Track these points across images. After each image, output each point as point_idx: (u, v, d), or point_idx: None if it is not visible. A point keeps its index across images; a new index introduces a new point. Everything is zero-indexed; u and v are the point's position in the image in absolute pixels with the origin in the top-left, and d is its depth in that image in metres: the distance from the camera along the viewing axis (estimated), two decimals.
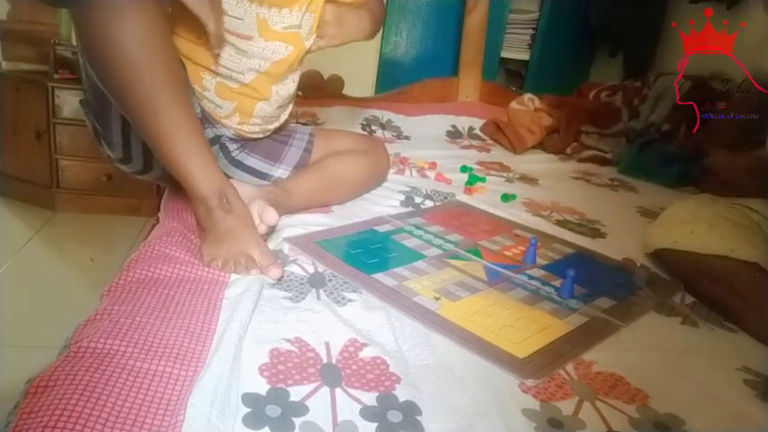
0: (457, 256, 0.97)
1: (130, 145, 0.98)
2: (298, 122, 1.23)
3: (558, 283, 0.89)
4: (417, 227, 1.07)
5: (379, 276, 0.86)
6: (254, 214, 0.90)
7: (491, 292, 0.85)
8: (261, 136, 1.13)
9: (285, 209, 1.02)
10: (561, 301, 0.84)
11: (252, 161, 1.14)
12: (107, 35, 0.72)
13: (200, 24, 0.88)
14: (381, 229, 1.05)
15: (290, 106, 1.15)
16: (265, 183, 1.13)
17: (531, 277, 0.91)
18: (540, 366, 0.68)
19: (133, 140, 0.97)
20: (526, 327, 0.76)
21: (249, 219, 0.88)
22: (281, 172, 1.15)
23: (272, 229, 0.95)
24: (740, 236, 0.94)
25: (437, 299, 0.81)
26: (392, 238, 1.01)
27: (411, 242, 1.00)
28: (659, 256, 1.03)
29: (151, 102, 0.76)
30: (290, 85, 1.09)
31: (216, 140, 1.07)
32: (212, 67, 0.99)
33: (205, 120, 1.02)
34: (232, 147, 1.10)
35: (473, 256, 0.97)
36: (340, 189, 1.15)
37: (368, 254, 0.93)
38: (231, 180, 0.92)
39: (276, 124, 1.13)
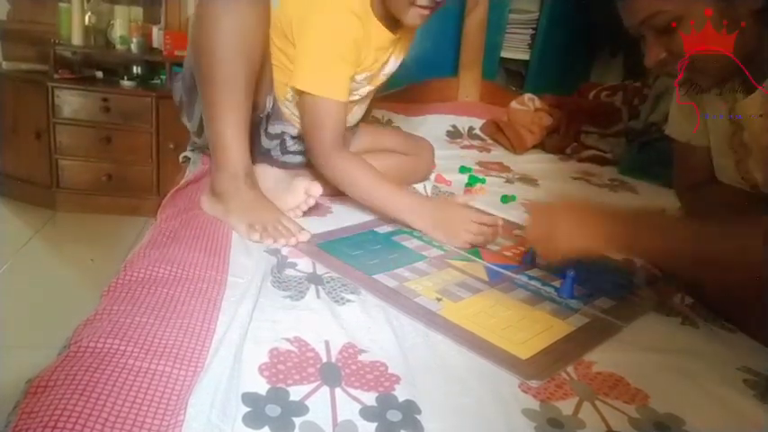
0: (457, 257, 0.97)
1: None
2: None
3: (557, 283, 0.89)
4: None
5: (380, 277, 0.86)
6: (300, 188, 1.03)
7: (492, 293, 0.85)
8: None
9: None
10: (562, 302, 0.84)
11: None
12: (208, 24, 0.94)
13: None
14: (381, 230, 1.05)
15: (357, 127, 1.29)
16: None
17: (531, 278, 0.91)
18: (542, 367, 0.68)
19: None
20: (528, 327, 0.76)
21: (265, 196, 1.02)
22: None
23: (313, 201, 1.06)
24: None
25: (439, 300, 0.81)
26: (392, 239, 1.01)
27: (411, 243, 1.00)
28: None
29: (222, 85, 0.96)
30: (357, 113, 1.23)
31: (279, 136, 1.18)
32: None
33: (275, 116, 1.16)
34: (290, 142, 1.20)
35: (473, 257, 0.97)
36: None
37: (369, 255, 0.93)
38: (260, 165, 1.11)
39: None
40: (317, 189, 1.04)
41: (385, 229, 1.05)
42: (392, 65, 1.17)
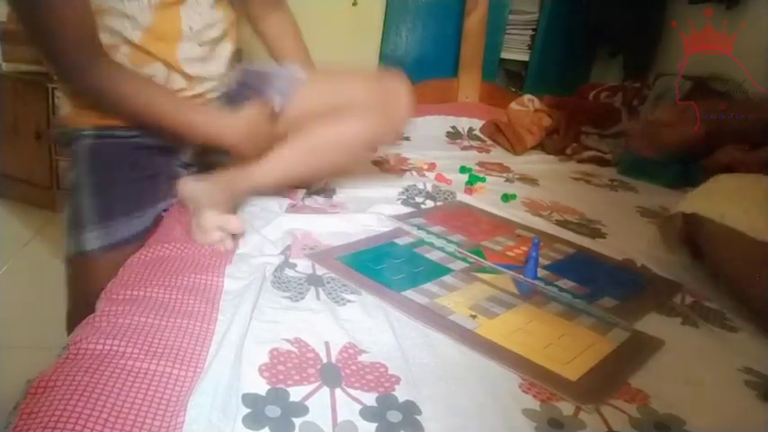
0: (482, 269, 0.93)
1: None
2: None
3: (562, 282, 0.89)
4: (419, 227, 1.07)
5: (409, 293, 0.82)
6: (212, 226, 0.87)
7: (526, 307, 0.82)
8: (219, 94, 1.04)
9: (245, 192, 1.01)
10: (600, 316, 0.82)
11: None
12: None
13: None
14: (401, 241, 1.01)
15: (226, 48, 1.03)
16: None
17: (561, 290, 0.89)
18: (595, 390, 0.65)
19: None
20: (571, 345, 0.74)
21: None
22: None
23: (236, 238, 0.90)
24: None
25: (473, 317, 0.78)
26: (414, 251, 0.97)
27: (434, 255, 0.97)
28: (694, 222, 0.93)
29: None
30: (205, 14, 0.96)
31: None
32: (119, 29, 0.90)
33: None
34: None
35: (475, 257, 0.96)
36: (325, 158, 1.03)
37: (393, 269, 0.90)
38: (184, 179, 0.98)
39: (219, 68, 1.02)
40: (235, 224, 0.88)
41: (405, 240, 1.01)
42: None
